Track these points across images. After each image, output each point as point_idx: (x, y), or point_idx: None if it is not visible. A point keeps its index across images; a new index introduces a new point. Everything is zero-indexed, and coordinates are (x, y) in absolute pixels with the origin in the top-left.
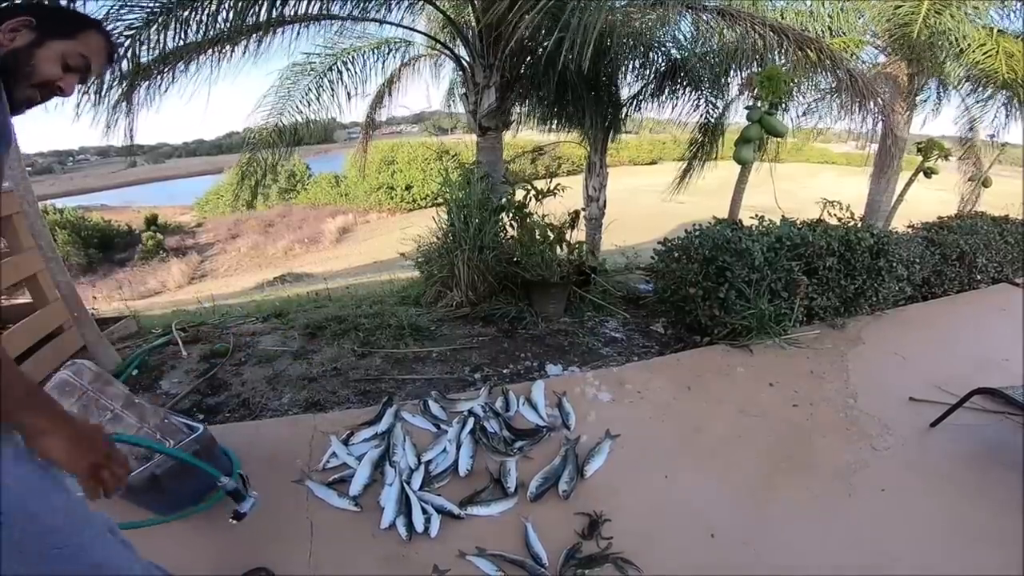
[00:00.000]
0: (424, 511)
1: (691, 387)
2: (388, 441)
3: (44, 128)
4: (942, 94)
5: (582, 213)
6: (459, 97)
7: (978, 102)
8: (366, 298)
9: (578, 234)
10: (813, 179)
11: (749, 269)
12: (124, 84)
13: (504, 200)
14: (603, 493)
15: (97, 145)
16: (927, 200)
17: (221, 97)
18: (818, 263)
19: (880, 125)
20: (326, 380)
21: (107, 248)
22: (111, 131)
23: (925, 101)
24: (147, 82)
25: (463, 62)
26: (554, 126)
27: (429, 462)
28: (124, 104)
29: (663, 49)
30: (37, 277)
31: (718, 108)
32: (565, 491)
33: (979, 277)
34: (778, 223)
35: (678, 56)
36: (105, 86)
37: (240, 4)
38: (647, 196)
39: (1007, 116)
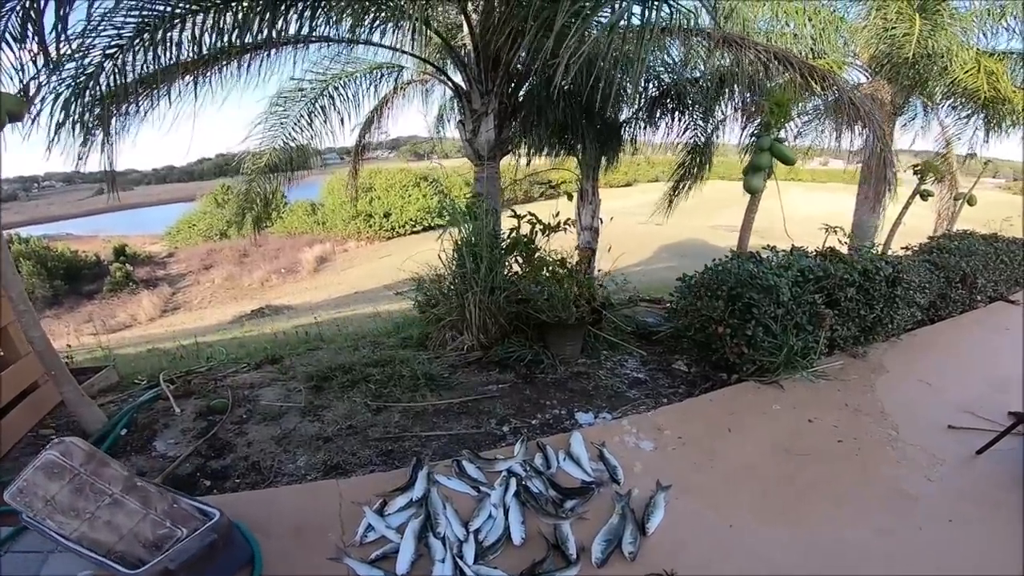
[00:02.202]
0: None
1: (731, 429)
2: (426, 509)
3: (8, 154)
4: (929, 112)
5: (592, 254)
6: (454, 125)
7: (960, 119)
8: (361, 338)
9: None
10: (784, 196)
11: (775, 304)
12: (99, 109)
13: (512, 236)
14: (669, 549)
15: (62, 171)
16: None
17: (192, 123)
18: (839, 294)
19: (875, 144)
20: (343, 440)
21: (74, 279)
22: (83, 161)
23: (912, 120)
24: (125, 106)
25: (460, 89)
26: (547, 153)
27: (477, 531)
28: (100, 130)
29: (656, 72)
30: (8, 330)
31: (707, 131)
32: (631, 552)
33: (979, 297)
34: (788, 251)
35: (668, 80)
36: (77, 112)
37: (240, 17)
38: (625, 218)
39: (987, 132)
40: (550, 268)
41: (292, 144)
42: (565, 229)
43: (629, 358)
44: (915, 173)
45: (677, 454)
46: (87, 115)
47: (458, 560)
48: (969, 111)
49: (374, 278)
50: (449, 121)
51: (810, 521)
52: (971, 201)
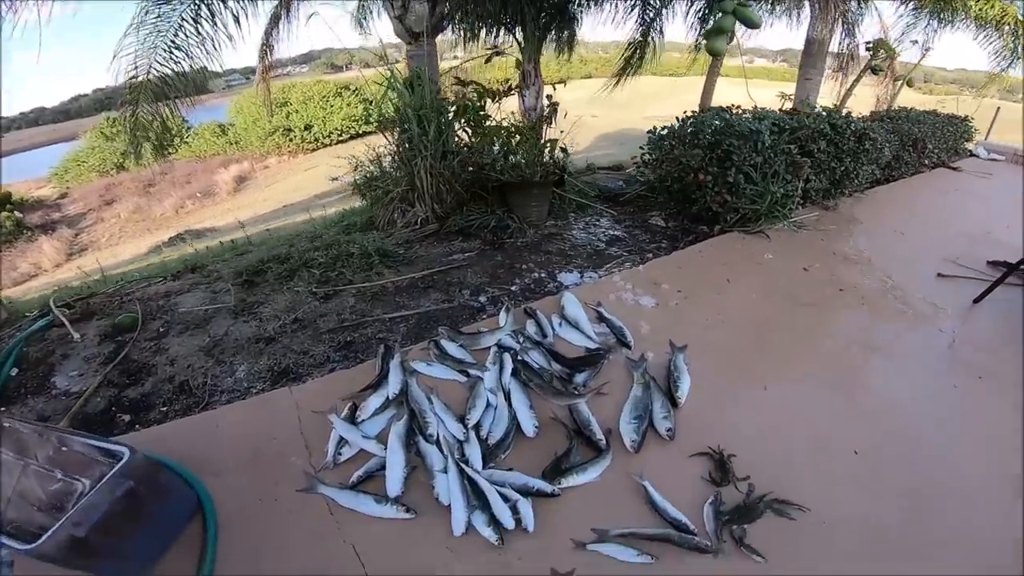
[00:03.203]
0: (505, 498)
1: (730, 280)
2: (408, 407)
3: None
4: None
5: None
6: (381, 6)
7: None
8: (297, 235)
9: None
10: (716, 91)
11: (754, 152)
12: None
13: (459, 102)
14: (707, 421)
15: None
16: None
17: (62, 61)
18: (812, 146)
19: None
20: (288, 337)
21: None
22: None
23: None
24: None
25: None
26: (484, 35)
27: (478, 426)
28: None
29: None
30: None
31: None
32: (669, 430)
33: (925, 162)
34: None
35: None
36: None
37: None
38: (560, 111)
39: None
40: (503, 134)
41: (178, 58)
42: (513, 92)
43: (601, 218)
44: (867, 49)
45: (682, 310)
46: None
47: (463, 466)
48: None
49: (303, 190)
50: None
51: (847, 379)
52: (910, 83)
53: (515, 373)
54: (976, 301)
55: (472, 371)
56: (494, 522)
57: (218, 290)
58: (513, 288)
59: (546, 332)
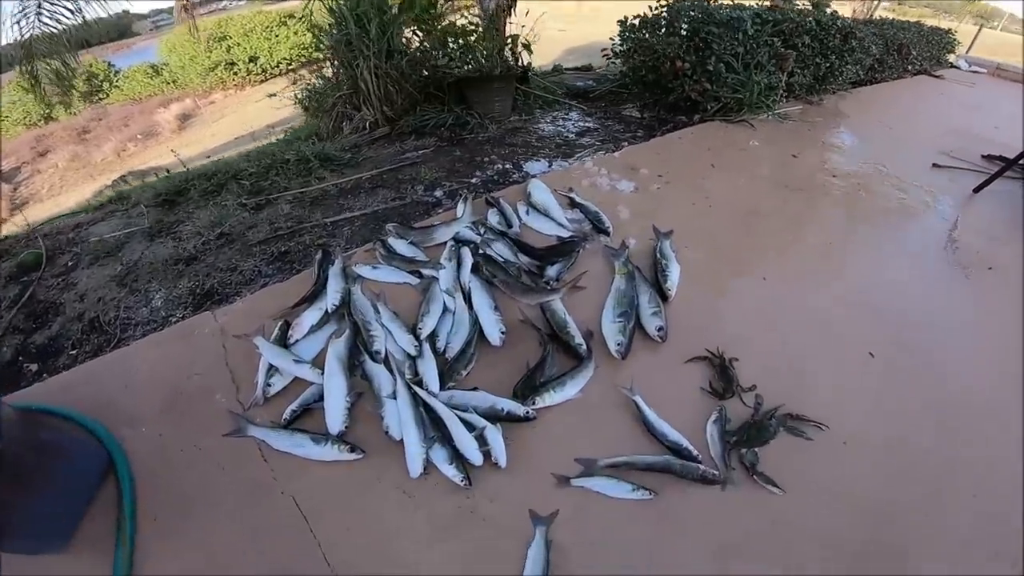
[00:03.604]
0: (470, 426)
1: (715, 165)
2: (350, 320)
3: None
4: None
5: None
6: None
7: None
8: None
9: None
10: None
11: (736, 42)
12: None
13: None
14: (701, 319)
15: None
16: None
17: None
18: (796, 40)
19: None
20: (213, 255)
21: None
22: None
23: None
24: None
25: None
26: None
27: (434, 337)
28: None
29: None
30: None
31: None
32: (660, 328)
33: (908, 68)
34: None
35: None
36: None
37: None
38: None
39: None
40: (458, 31)
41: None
42: None
43: (570, 112)
44: None
45: (665, 195)
46: None
47: (416, 389)
48: None
49: (254, 121)
50: None
51: (850, 268)
52: None
53: (476, 270)
54: (976, 191)
55: (426, 271)
56: (458, 458)
57: (135, 215)
58: (473, 180)
59: (511, 222)
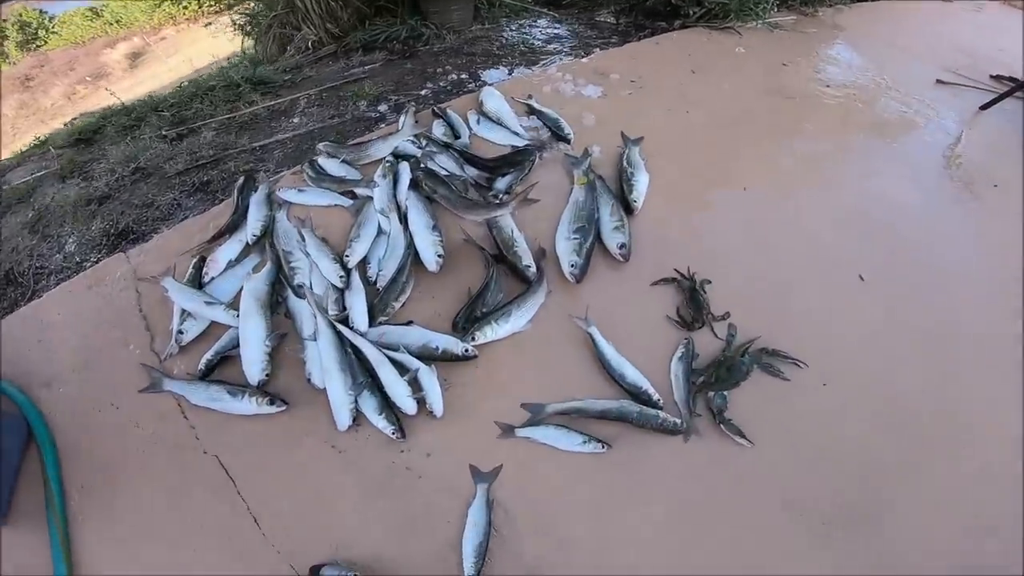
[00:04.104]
0: (403, 368)
1: (695, 71)
2: (273, 252)
3: None
4: None
5: None
6: None
7: None
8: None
9: None
10: None
11: None
12: None
13: None
14: (671, 235)
15: None
16: None
17: None
18: None
19: None
20: (127, 191)
21: None
22: None
23: None
24: None
25: None
26: None
27: (365, 263)
28: None
29: None
30: None
31: None
32: (622, 245)
33: None
34: None
35: None
36: None
37: None
38: None
39: None
40: None
41: None
42: None
43: (538, 19)
44: None
45: (637, 101)
46: None
47: (340, 327)
48: None
49: (211, 53)
50: None
51: (845, 182)
52: None
53: (416, 185)
54: (984, 108)
55: (360, 190)
56: (389, 407)
57: (47, 158)
58: (423, 92)
59: (459, 133)
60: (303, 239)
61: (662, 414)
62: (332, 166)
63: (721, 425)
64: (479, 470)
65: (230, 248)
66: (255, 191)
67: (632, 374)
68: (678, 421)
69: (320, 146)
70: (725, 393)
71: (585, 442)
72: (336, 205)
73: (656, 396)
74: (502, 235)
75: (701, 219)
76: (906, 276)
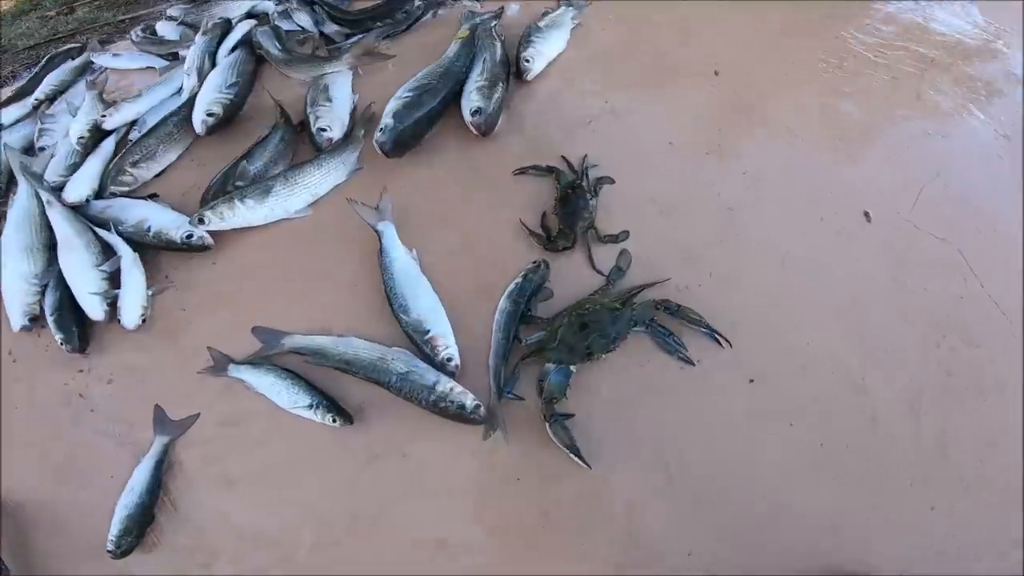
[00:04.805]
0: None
1: None
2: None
3: None
4: None
5: None
6: None
7: None
8: None
9: None
10: None
11: None
12: None
13: None
14: (573, 113)
15: None
16: None
17: None
18: None
19: None
20: None
21: None
22: None
23: None
24: None
25: None
26: None
27: (133, 128)
28: None
29: None
30: None
31: None
32: (476, 111)
33: None
34: None
35: None
36: None
37: None
38: None
39: None
40: None
41: None
42: None
43: None
44: None
45: None
46: None
47: (47, 194)
48: None
49: None
50: None
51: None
52: None
53: (248, 44)
54: None
55: (184, 51)
56: (70, 307)
57: None
58: None
59: None
60: (85, 98)
61: (446, 384)
62: (167, 29)
63: (547, 424)
64: (166, 416)
65: (9, 113)
66: (74, 60)
67: (424, 307)
68: (474, 404)
69: (167, 9)
70: (571, 368)
71: (313, 406)
72: (149, 67)
73: (448, 351)
74: (314, 93)
75: (630, 105)
76: (878, 221)
